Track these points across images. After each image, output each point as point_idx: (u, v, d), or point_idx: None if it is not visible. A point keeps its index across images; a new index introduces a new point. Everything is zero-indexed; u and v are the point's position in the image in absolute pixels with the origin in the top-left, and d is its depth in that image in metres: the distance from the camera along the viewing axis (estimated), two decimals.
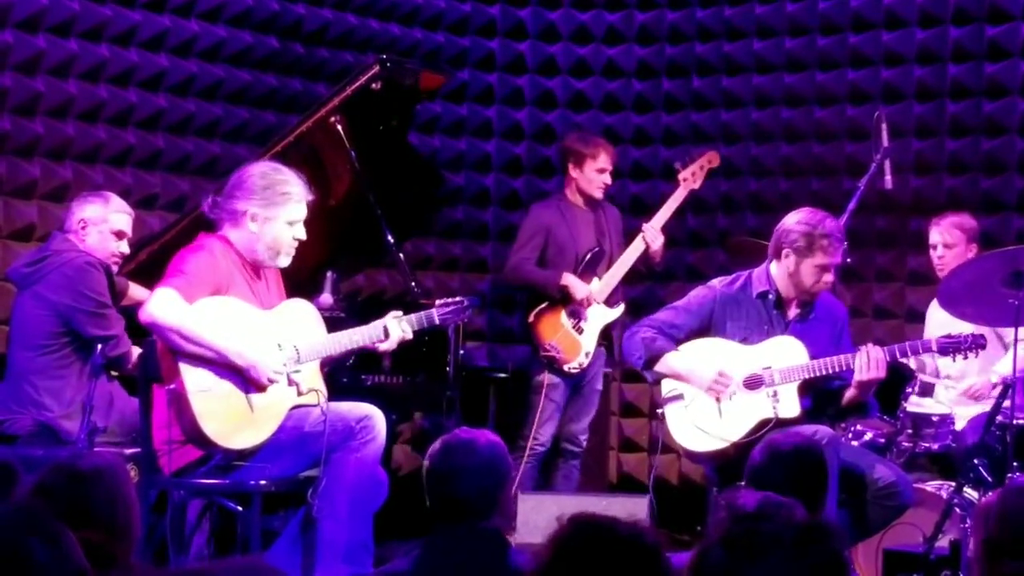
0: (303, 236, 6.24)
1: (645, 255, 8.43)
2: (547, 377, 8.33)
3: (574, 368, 8.34)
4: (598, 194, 8.52)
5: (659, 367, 6.74)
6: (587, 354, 8.35)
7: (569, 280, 8.32)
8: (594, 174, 8.49)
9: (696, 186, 8.53)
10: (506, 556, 4.13)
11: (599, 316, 8.38)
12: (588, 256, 8.42)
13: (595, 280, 8.39)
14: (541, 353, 8.33)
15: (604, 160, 8.49)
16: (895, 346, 6.67)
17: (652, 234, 8.39)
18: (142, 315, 5.96)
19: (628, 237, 8.56)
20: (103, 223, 6.84)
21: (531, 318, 8.38)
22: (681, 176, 8.52)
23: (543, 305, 8.37)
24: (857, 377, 6.48)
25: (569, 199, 8.57)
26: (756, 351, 6.67)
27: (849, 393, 6.58)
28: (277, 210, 6.17)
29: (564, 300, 8.35)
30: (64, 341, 6.66)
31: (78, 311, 6.62)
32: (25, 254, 7.17)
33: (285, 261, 6.26)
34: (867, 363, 6.45)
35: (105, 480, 3.85)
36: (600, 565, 2.87)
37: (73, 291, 6.63)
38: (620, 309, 8.47)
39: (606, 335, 8.43)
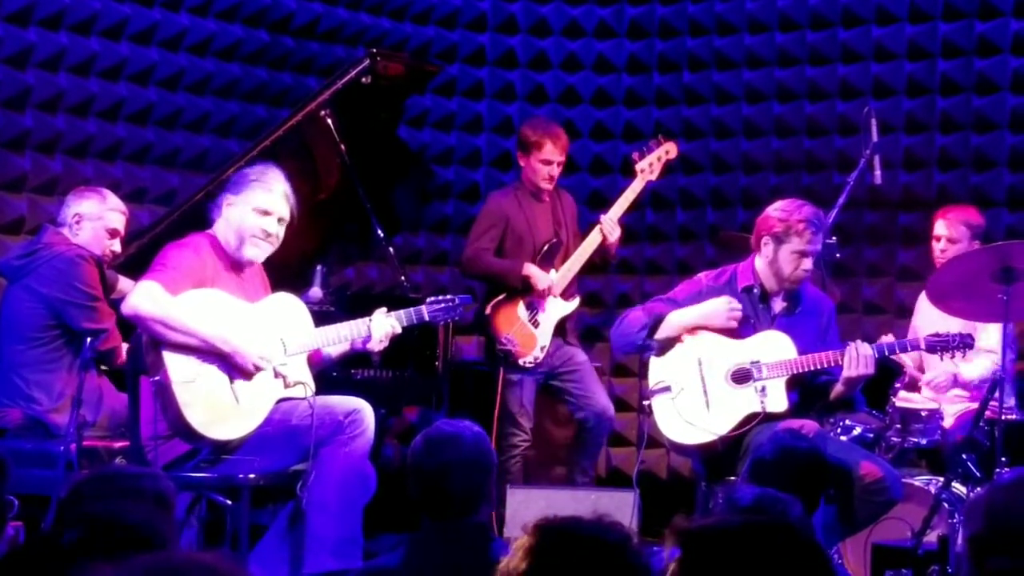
0: (272, 229, 6.23)
1: (602, 247, 8.20)
2: (504, 371, 8.10)
3: (529, 362, 8.10)
4: (543, 185, 8.23)
5: (663, 330, 6.70)
6: (542, 348, 8.12)
7: (531, 271, 8.09)
8: (538, 165, 8.20)
9: (653, 177, 8.29)
10: (490, 550, 4.12)
11: (555, 309, 8.17)
12: (546, 247, 8.19)
13: (552, 272, 8.15)
14: (498, 347, 8.08)
15: (549, 151, 8.18)
16: (883, 343, 6.69)
17: (609, 226, 8.14)
18: (124, 307, 5.98)
19: (583, 226, 8.40)
20: (98, 220, 6.83)
21: (488, 310, 8.15)
22: (638, 167, 8.24)
23: (500, 297, 8.15)
24: (845, 374, 6.49)
25: (526, 187, 8.32)
26: (744, 345, 6.67)
27: (836, 389, 6.60)
28: (244, 195, 6.19)
29: (523, 291, 8.12)
30: (55, 334, 6.65)
31: (69, 304, 6.61)
32: (15, 247, 7.17)
33: (251, 251, 6.22)
34: (855, 360, 6.46)
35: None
36: (571, 570, 2.90)
37: (64, 284, 6.62)
38: (576, 303, 8.27)
39: (560, 328, 8.22)
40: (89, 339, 6.28)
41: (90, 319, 6.60)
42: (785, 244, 6.64)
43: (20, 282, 6.73)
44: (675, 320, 6.71)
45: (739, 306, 6.65)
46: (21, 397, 6.63)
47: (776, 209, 6.71)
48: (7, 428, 6.62)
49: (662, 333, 6.71)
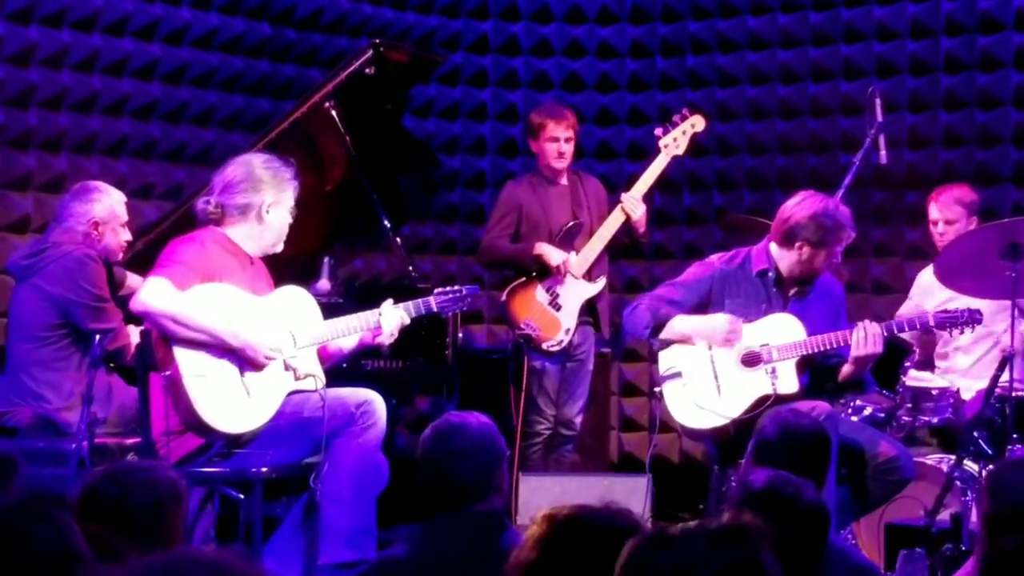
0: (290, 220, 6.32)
1: (627, 226, 8.02)
2: (528, 358, 7.96)
3: (553, 346, 7.93)
4: (556, 164, 8.16)
5: (666, 333, 6.74)
6: (567, 331, 7.94)
7: (543, 248, 7.94)
8: (546, 145, 8.14)
9: (680, 152, 8.04)
10: (500, 539, 4.12)
11: (578, 291, 7.98)
12: (564, 229, 8.03)
13: (572, 254, 7.98)
14: (516, 332, 7.94)
15: (552, 129, 8.13)
16: (892, 321, 6.69)
17: (631, 204, 7.96)
18: (134, 304, 5.97)
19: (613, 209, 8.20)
20: (114, 219, 6.82)
21: (504, 296, 8.02)
22: (661, 143, 8.01)
23: (516, 282, 8.00)
24: (854, 353, 6.49)
25: (542, 174, 8.25)
26: (754, 328, 6.68)
27: (846, 369, 6.60)
28: (284, 196, 6.21)
29: (540, 274, 7.97)
30: (63, 333, 6.66)
31: (76, 304, 6.61)
32: (23, 246, 7.17)
33: (281, 246, 6.30)
34: (864, 339, 6.47)
35: (154, 493, 3.79)
36: (581, 559, 2.91)
37: (72, 284, 6.62)
38: (601, 283, 8.05)
39: (591, 311, 8.07)
40: (98, 337, 6.28)
41: (97, 319, 6.60)
42: (825, 249, 6.67)
43: (28, 281, 6.73)
44: (677, 327, 6.75)
45: (740, 328, 6.66)
46: (31, 396, 6.64)
47: (813, 217, 6.63)
48: (18, 427, 6.63)
49: (665, 335, 6.75)
